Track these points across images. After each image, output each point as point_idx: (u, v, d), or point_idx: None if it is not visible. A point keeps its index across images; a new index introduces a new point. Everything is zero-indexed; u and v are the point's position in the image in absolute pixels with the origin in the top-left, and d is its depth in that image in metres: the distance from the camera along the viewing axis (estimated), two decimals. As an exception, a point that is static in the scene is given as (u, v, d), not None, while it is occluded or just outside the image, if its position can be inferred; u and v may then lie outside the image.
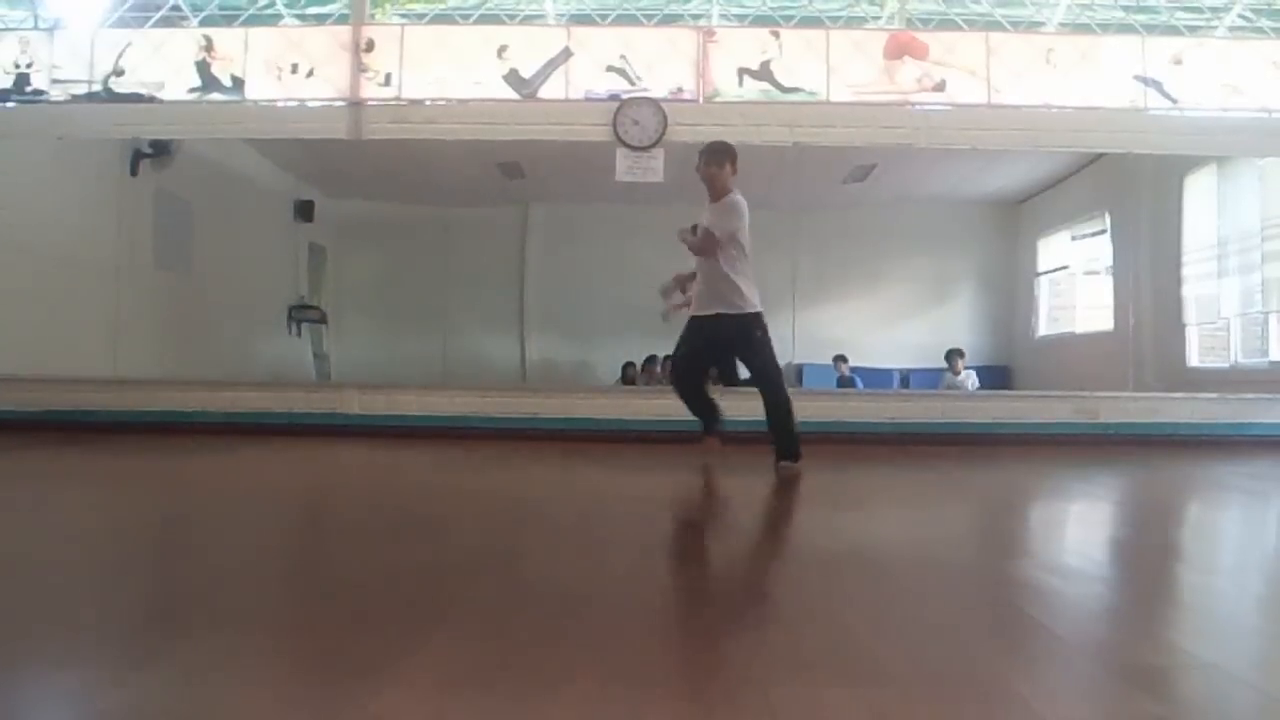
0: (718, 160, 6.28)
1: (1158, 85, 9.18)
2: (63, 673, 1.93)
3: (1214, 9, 9.93)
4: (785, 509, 4.90)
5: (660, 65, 9.14)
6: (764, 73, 9.18)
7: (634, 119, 8.94)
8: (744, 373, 6.63)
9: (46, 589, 2.68)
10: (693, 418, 6.53)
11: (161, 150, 9.59)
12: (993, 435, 8.79)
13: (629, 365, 13.12)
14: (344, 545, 3.68)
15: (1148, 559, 3.56)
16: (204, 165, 10.25)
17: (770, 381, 6.13)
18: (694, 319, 6.28)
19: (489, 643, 2.16)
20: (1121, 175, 10.27)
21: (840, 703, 1.75)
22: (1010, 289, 14.30)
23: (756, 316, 6.10)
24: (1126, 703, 1.81)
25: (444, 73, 9.19)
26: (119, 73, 9.29)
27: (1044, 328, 13.70)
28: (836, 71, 9.14)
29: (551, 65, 9.17)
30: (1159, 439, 8.73)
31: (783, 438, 6.05)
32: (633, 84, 9.16)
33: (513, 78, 9.16)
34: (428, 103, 9.25)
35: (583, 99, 9.16)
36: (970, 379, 11.85)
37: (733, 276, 6.08)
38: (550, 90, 9.17)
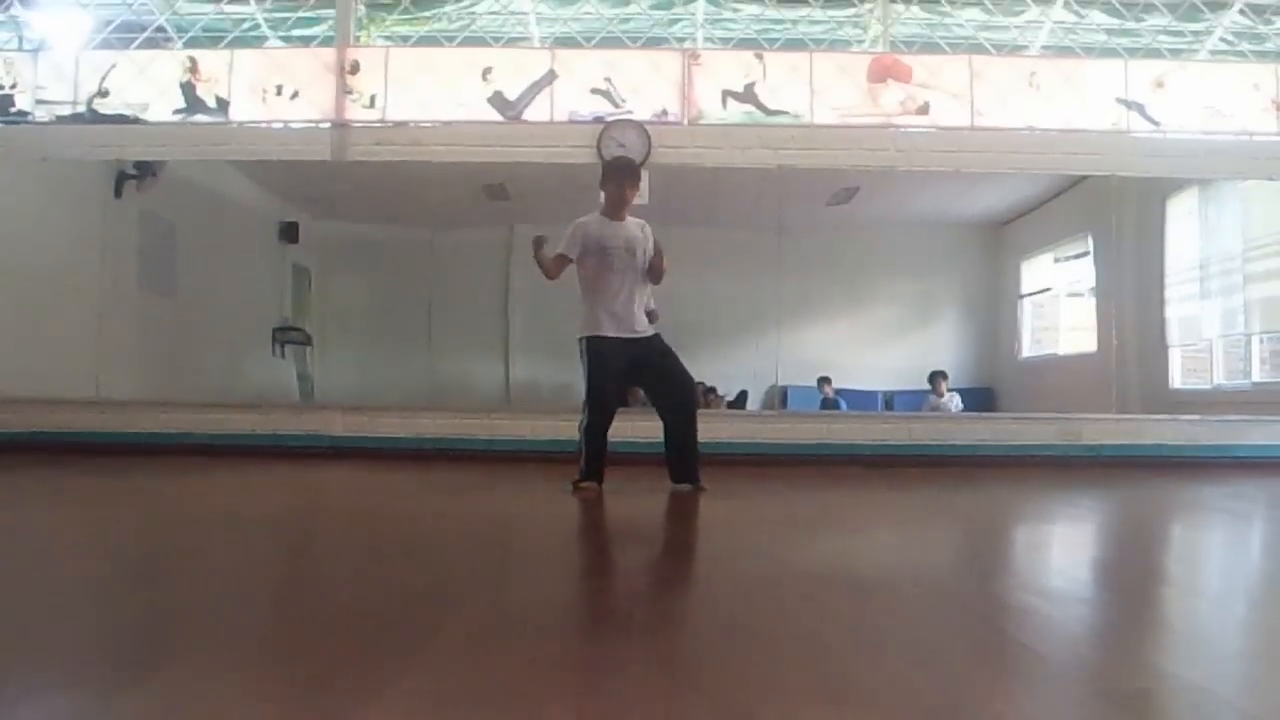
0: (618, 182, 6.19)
1: (1140, 108, 9.25)
2: (48, 697, 1.91)
3: (1195, 32, 10.02)
4: (768, 531, 4.89)
5: (645, 87, 9.18)
6: (748, 95, 9.22)
7: (618, 141, 8.96)
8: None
9: (30, 612, 2.66)
10: (589, 459, 5.99)
11: (146, 172, 9.55)
12: (976, 457, 8.81)
13: (614, 387, 13.11)
14: (328, 568, 3.66)
15: (1132, 581, 3.56)
16: (188, 187, 10.20)
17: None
18: (629, 340, 5.99)
19: (472, 667, 2.14)
20: (1104, 198, 10.29)
21: (824, 726, 1.74)
22: (994, 311, 14.28)
23: None
24: (1111, 725, 1.81)
25: (428, 95, 9.22)
26: (103, 94, 9.30)
27: (1028, 350, 13.68)
28: (820, 94, 9.19)
29: (536, 87, 9.20)
30: (1142, 460, 8.76)
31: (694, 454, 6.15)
32: (617, 106, 9.19)
33: (497, 100, 9.18)
34: (412, 124, 9.28)
35: (567, 121, 9.19)
36: (954, 401, 11.85)
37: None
38: (535, 112, 9.20)
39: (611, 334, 5.93)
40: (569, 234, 6.07)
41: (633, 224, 6.12)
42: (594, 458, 5.99)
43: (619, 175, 6.17)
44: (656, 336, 6.08)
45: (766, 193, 10.22)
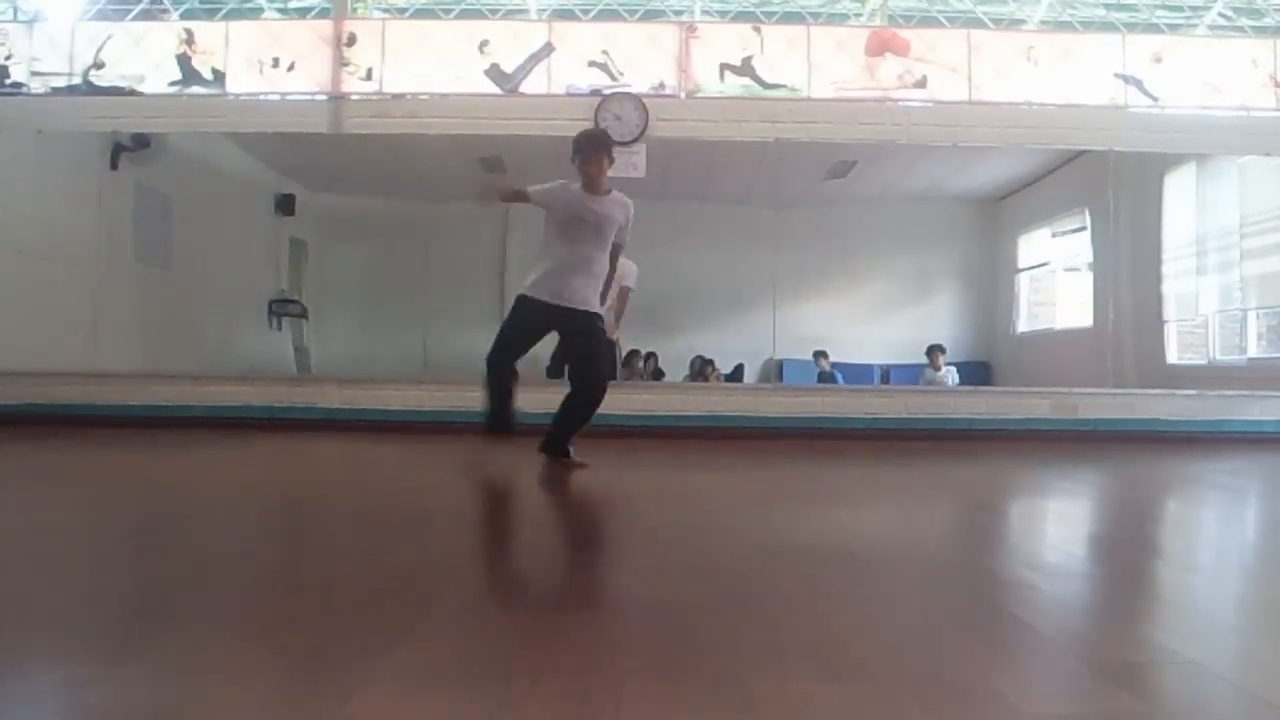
0: (598, 158, 5.70)
1: (1138, 83, 9.23)
2: (43, 669, 1.92)
3: (1194, 7, 10.00)
4: (765, 505, 4.91)
5: (642, 60, 9.15)
6: (746, 69, 9.19)
7: (616, 114, 8.95)
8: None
9: (25, 585, 2.67)
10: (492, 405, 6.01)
11: (142, 144, 9.53)
12: (973, 431, 8.82)
13: (609, 360, 13.14)
14: (324, 540, 3.67)
15: (1127, 555, 3.57)
16: (184, 159, 10.18)
17: (603, 380, 5.89)
18: (551, 307, 5.70)
19: (469, 638, 2.16)
20: (1102, 172, 10.28)
21: (819, 697, 1.75)
22: (991, 285, 14.31)
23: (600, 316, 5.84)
24: (1106, 699, 1.82)
25: (425, 67, 9.19)
26: (99, 66, 9.26)
27: (1024, 324, 13.71)
28: (818, 68, 9.17)
29: (533, 60, 9.17)
30: (1138, 435, 8.78)
31: (568, 430, 5.96)
32: (614, 79, 9.16)
33: (494, 72, 9.16)
34: (409, 97, 9.24)
35: (564, 94, 9.16)
36: (950, 375, 11.88)
37: (602, 276, 5.82)
38: (532, 85, 9.17)
39: (544, 299, 5.70)
40: (551, 186, 5.74)
41: (613, 201, 5.76)
42: (497, 397, 5.97)
43: (586, 149, 5.72)
44: (590, 315, 5.76)
45: (763, 167, 10.21)
